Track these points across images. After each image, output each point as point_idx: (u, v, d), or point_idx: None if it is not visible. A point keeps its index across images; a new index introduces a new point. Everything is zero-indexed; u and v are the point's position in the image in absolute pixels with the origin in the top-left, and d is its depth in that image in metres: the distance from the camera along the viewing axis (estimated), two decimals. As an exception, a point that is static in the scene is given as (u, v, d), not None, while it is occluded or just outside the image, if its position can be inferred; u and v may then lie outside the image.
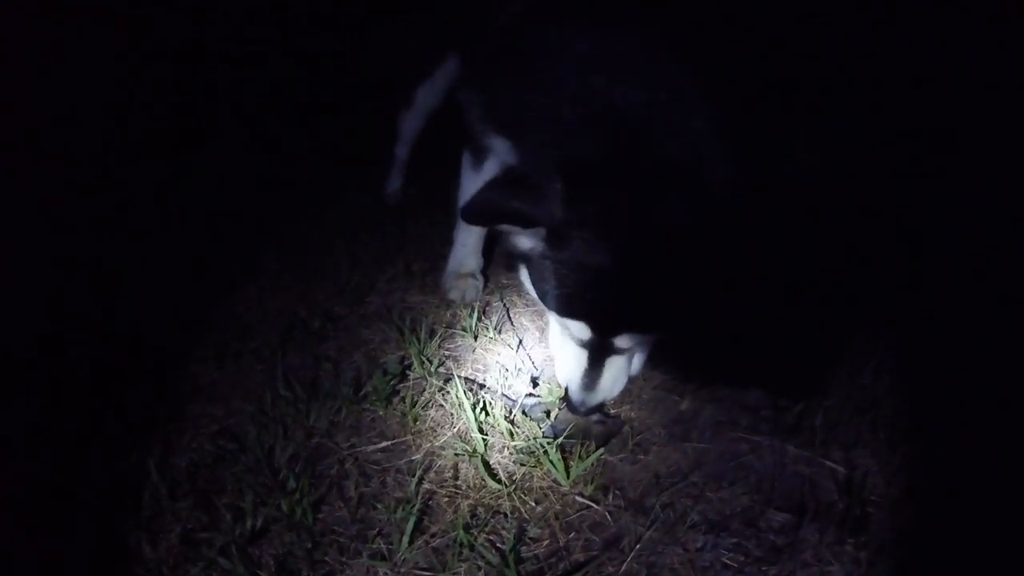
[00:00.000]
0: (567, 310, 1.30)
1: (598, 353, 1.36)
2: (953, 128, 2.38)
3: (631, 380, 1.48)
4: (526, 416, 1.51)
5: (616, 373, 1.40)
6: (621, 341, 1.33)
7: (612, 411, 1.56)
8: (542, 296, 1.34)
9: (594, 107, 1.31)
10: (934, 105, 2.38)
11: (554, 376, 1.64)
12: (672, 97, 1.31)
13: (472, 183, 1.92)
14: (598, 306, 1.27)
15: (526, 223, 1.23)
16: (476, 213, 1.30)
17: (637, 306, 1.26)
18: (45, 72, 2.08)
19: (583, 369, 1.37)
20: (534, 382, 1.64)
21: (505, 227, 1.30)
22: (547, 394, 1.57)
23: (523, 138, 1.53)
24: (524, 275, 1.41)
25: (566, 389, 1.43)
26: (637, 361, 1.47)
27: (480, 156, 1.87)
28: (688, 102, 1.32)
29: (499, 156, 1.78)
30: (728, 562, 1.22)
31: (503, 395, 1.59)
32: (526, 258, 1.35)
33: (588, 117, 1.30)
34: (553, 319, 1.42)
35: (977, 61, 2.31)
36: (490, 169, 1.87)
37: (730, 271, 1.26)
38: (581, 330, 1.32)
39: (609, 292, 1.24)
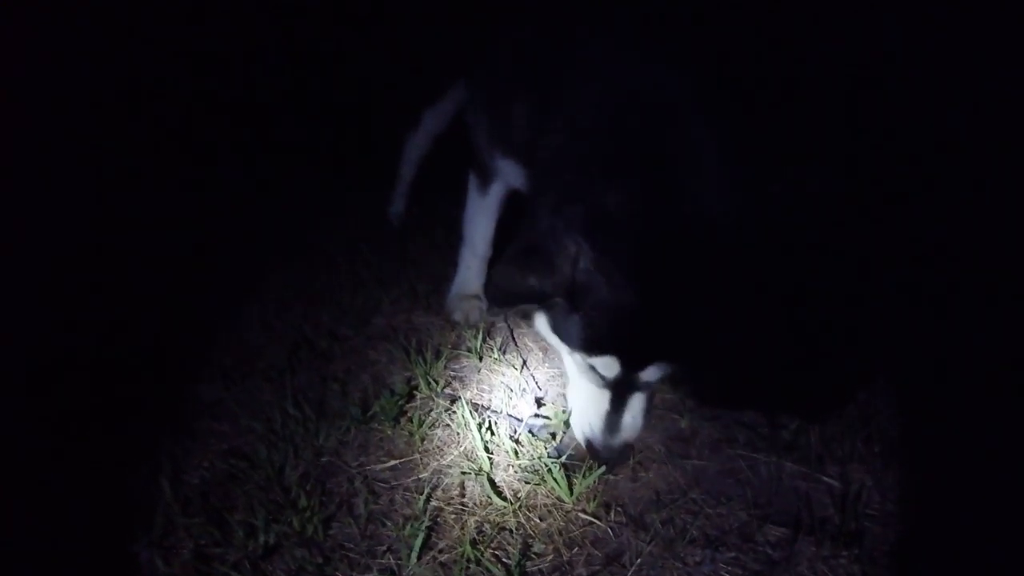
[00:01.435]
0: (596, 348, 1.31)
1: (622, 391, 1.37)
2: (949, 139, 2.41)
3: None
4: (533, 436, 1.54)
5: (638, 411, 1.41)
6: (647, 375, 1.34)
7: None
8: (567, 339, 1.35)
9: (605, 143, 1.34)
10: (928, 114, 2.41)
11: (559, 397, 1.68)
12: (685, 133, 1.34)
13: (478, 205, 1.96)
14: (627, 338, 1.29)
15: (544, 299, 1.27)
16: (498, 296, 1.34)
17: (665, 334, 1.28)
18: (47, 78, 2.09)
19: (606, 411, 1.38)
20: (538, 402, 1.67)
21: (525, 307, 1.34)
22: (553, 416, 1.61)
23: (532, 163, 1.56)
24: (541, 324, 1.42)
25: (588, 442, 1.42)
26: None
27: (486, 178, 1.90)
28: (702, 136, 1.35)
29: (506, 179, 1.81)
30: (726, 575, 1.25)
31: (508, 415, 1.62)
32: (546, 308, 1.37)
33: (601, 155, 1.33)
34: (573, 365, 1.43)
35: (977, 61, 2.34)
36: (496, 191, 1.92)
37: (746, 299, 1.31)
38: (608, 367, 1.32)
39: (637, 325, 1.26)
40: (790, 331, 1.85)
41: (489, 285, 1.32)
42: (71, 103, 2.29)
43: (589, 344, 1.31)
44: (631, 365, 1.32)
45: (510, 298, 1.33)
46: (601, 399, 1.38)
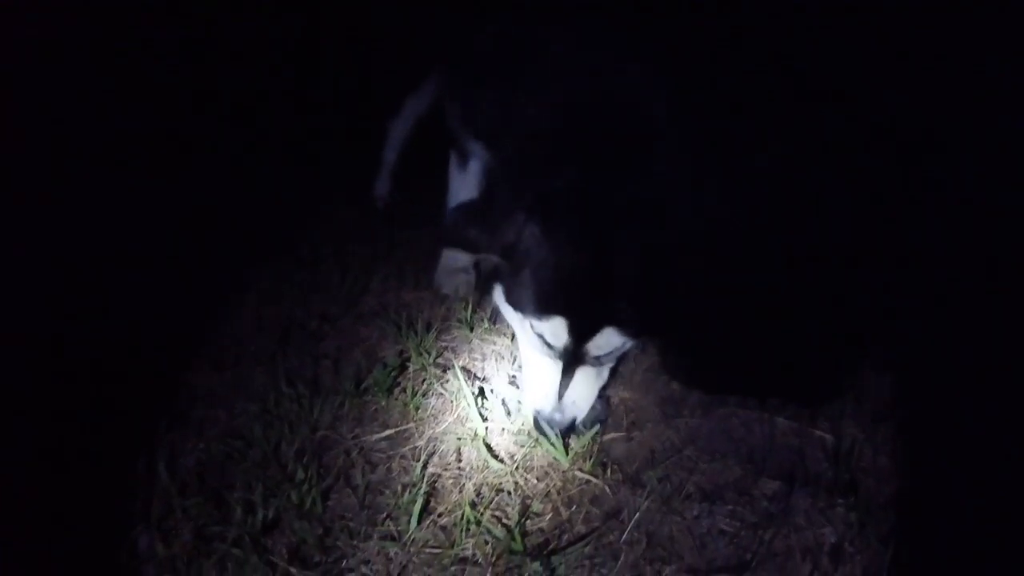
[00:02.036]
0: (543, 307, 1.32)
1: (571, 363, 1.38)
2: (948, 125, 2.43)
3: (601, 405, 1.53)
4: (507, 409, 1.55)
5: (586, 388, 1.42)
6: (596, 346, 1.35)
7: (604, 393, 1.58)
8: (517, 303, 1.37)
9: (561, 132, 1.40)
10: (932, 103, 2.42)
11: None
12: (640, 123, 1.41)
13: (459, 182, 2.02)
14: (572, 298, 1.31)
15: (477, 251, 1.40)
16: (442, 237, 1.53)
17: (609, 297, 1.30)
18: (42, 71, 2.08)
19: (555, 384, 1.39)
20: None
21: (460, 252, 1.57)
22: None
23: (498, 147, 1.65)
24: (497, 295, 1.45)
25: (535, 415, 1.43)
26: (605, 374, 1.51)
27: (464, 157, 1.96)
28: (658, 126, 1.41)
29: (480, 158, 1.88)
30: (725, 528, 1.27)
31: (498, 388, 1.63)
32: (498, 273, 1.43)
33: (553, 148, 1.39)
34: (525, 338, 1.44)
35: (976, 61, 2.36)
36: (474, 169, 1.97)
37: (696, 274, 1.37)
38: (557, 334, 1.33)
39: (582, 286, 1.29)
40: (773, 300, 1.87)
41: (440, 225, 1.51)
42: (58, 100, 2.27)
43: (537, 304, 1.32)
44: (578, 329, 1.32)
45: (450, 241, 1.49)
46: (551, 372, 1.39)
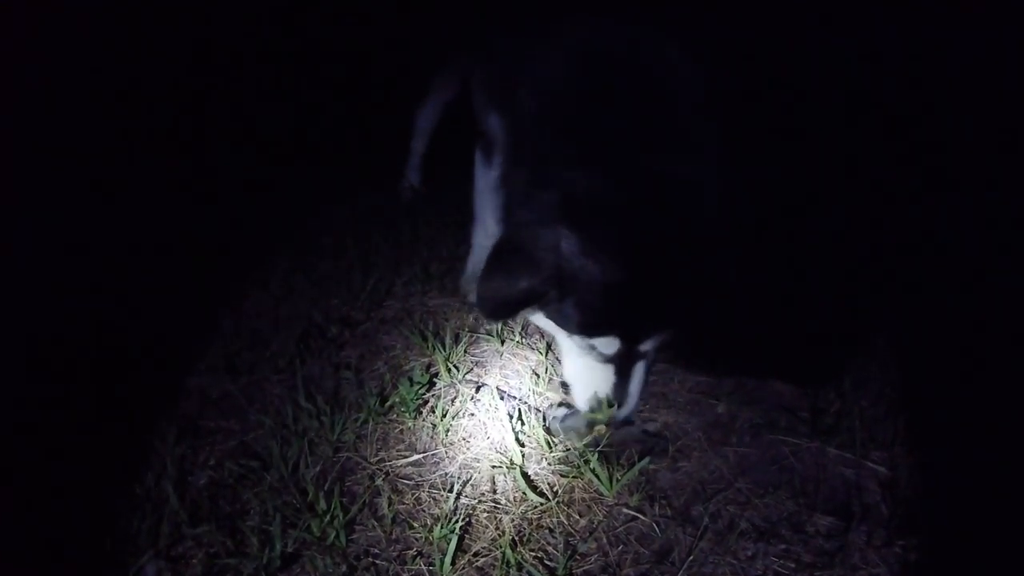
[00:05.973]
0: (595, 329, 1.29)
1: (625, 362, 1.35)
2: (969, 122, 2.34)
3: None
4: (563, 427, 1.45)
5: (640, 380, 1.40)
6: (646, 345, 1.33)
7: (651, 426, 1.51)
8: (565, 325, 1.31)
9: (576, 115, 1.32)
10: (942, 103, 2.34)
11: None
12: (664, 103, 1.32)
13: (485, 180, 1.90)
14: (624, 316, 1.28)
15: (540, 298, 1.24)
16: (494, 309, 1.31)
17: (660, 306, 1.28)
18: (46, 72, 2.00)
19: (612, 385, 1.35)
20: (565, 388, 1.57)
21: (526, 312, 1.33)
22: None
23: (513, 118, 1.56)
24: (535, 316, 1.38)
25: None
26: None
27: (490, 150, 1.84)
28: (684, 109, 1.33)
29: (500, 145, 1.75)
30: (780, 569, 1.17)
31: (536, 408, 1.52)
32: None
33: (573, 130, 1.30)
34: (572, 346, 1.38)
35: (975, 59, 2.28)
36: (499, 164, 1.85)
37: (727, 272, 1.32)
38: (609, 344, 1.31)
39: (632, 301, 1.24)
40: (814, 312, 1.78)
41: (482, 300, 1.28)
42: (77, 97, 2.19)
43: (588, 327, 1.28)
44: (631, 341, 1.30)
45: (507, 308, 1.29)
46: (605, 374, 1.36)
